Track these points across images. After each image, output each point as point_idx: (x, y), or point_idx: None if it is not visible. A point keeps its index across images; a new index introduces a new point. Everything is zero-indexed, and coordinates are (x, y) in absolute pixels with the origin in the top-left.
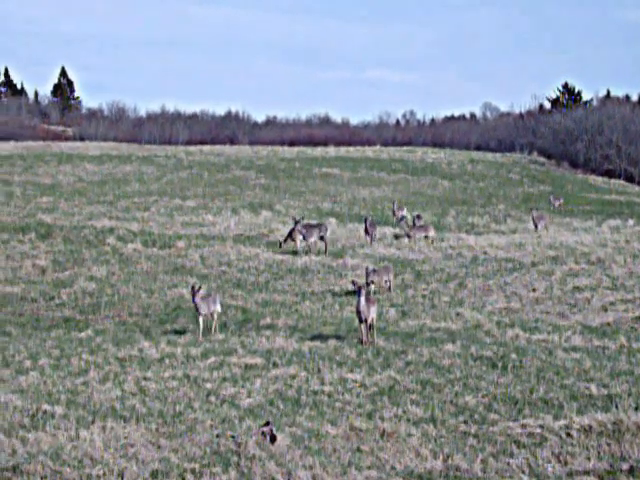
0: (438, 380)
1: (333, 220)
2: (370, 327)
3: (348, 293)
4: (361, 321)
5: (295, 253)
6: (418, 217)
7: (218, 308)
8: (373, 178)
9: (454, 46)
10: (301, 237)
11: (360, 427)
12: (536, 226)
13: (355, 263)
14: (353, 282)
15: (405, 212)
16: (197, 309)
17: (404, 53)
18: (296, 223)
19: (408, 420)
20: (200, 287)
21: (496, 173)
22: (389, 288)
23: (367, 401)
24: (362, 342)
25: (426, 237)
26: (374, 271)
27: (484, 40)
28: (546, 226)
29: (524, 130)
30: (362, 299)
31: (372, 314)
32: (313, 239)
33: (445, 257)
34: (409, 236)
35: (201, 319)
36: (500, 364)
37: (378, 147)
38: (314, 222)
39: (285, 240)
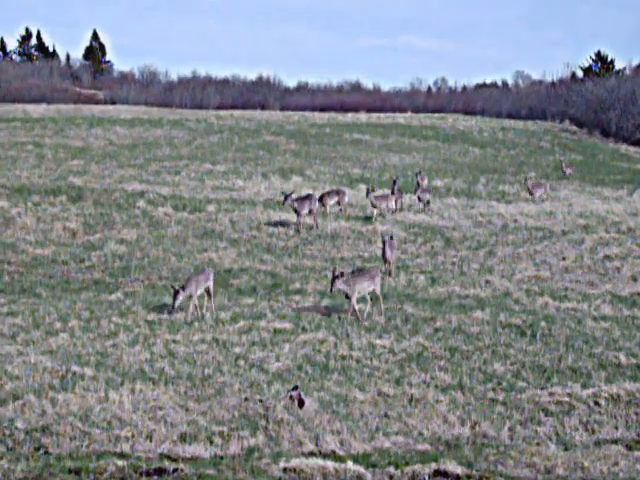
0: (466, 347)
1: (363, 187)
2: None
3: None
4: (385, 262)
5: (325, 217)
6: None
7: (209, 285)
8: (403, 145)
9: (487, 13)
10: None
11: (388, 393)
12: (531, 194)
13: (385, 229)
14: (382, 235)
15: (426, 182)
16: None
17: (437, 20)
18: (286, 197)
19: (436, 387)
20: (180, 288)
21: (527, 141)
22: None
23: (395, 367)
24: (386, 273)
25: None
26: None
27: (517, 7)
28: (546, 194)
29: (556, 98)
30: (387, 247)
31: (394, 256)
32: (305, 211)
33: (475, 225)
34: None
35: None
36: (529, 332)
37: (409, 114)
38: (304, 194)
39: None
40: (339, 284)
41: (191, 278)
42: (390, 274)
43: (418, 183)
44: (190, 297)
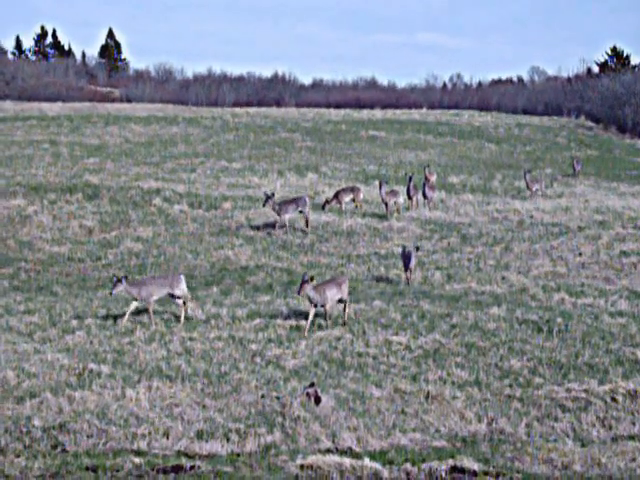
0: (483, 343)
1: (378, 183)
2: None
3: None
4: (407, 270)
5: (340, 214)
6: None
7: (179, 293)
8: (419, 141)
9: (502, 9)
10: (276, 214)
11: (405, 389)
12: (529, 188)
13: (401, 226)
14: (403, 247)
15: (435, 178)
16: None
17: (452, 16)
18: (267, 199)
19: (453, 383)
20: (124, 277)
21: (543, 137)
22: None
23: (412, 364)
24: (407, 281)
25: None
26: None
27: (532, 3)
28: (542, 190)
29: (572, 94)
30: (413, 259)
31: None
32: (289, 215)
33: (491, 221)
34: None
35: (134, 304)
36: (545, 328)
37: (425, 110)
38: (291, 197)
39: (330, 201)
40: (308, 289)
41: (144, 281)
42: (408, 282)
43: (426, 178)
44: (137, 300)
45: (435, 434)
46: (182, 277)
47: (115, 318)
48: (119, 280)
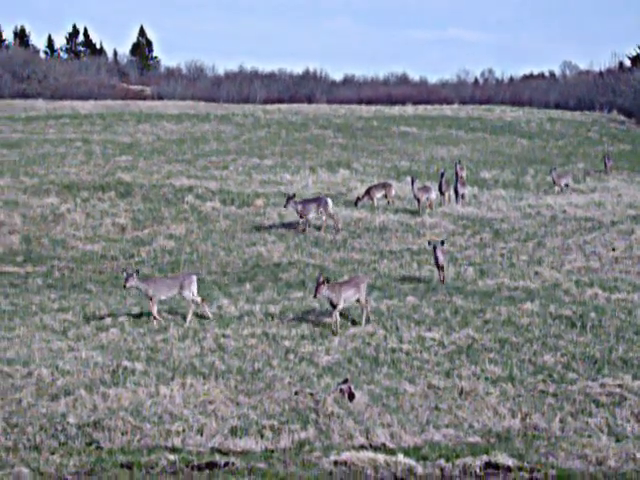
0: (516, 339)
1: (410, 179)
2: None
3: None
4: (440, 269)
5: (373, 211)
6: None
7: (189, 294)
8: (451, 137)
9: (534, 4)
10: (297, 214)
11: (438, 385)
12: (557, 184)
13: (433, 222)
14: (429, 242)
15: (465, 173)
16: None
17: (483, 11)
18: (289, 199)
19: (486, 379)
20: (135, 271)
21: (575, 132)
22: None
23: (445, 359)
24: (441, 281)
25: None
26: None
27: None
28: (570, 185)
29: (604, 88)
30: (439, 254)
31: (445, 263)
32: (312, 215)
33: (524, 216)
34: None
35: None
36: (579, 323)
37: (456, 105)
38: (311, 197)
39: (362, 197)
40: (324, 290)
41: (154, 279)
42: (443, 281)
43: (457, 174)
44: (146, 296)
45: (469, 430)
46: (194, 277)
47: (149, 315)
48: (130, 274)
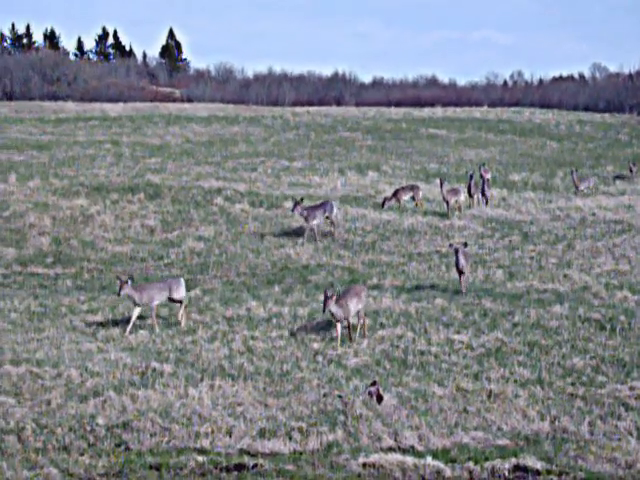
0: (545, 342)
1: (439, 181)
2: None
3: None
4: (461, 274)
5: (401, 213)
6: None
7: (177, 297)
8: (480, 139)
9: (563, 6)
10: (304, 220)
11: (467, 388)
12: (576, 187)
13: (462, 224)
14: (450, 245)
15: (489, 175)
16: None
17: (512, 13)
18: (296, 204)
19: (515, 381)
20: (129, 278)
21: (605, 134)
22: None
23: (474, 362)
24: (460, 291)
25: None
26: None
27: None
28: (592, 188)
29: (634, 91)
30: (461, 258)
31: (468, 266)
32: (317, 221)
33: (553, 218)
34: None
35: (136, 310)
36: (608, 326)
37: (485, 108)
38: (318, 202)
39: (389, 199)
40: (332, 305)
41: (144, 285)
42: (464, 288)
43: (481, 176)
44: (135, 304)
45: (497, 433)
46: (182, 280)
47: (177, 317)
48: (125, 282)
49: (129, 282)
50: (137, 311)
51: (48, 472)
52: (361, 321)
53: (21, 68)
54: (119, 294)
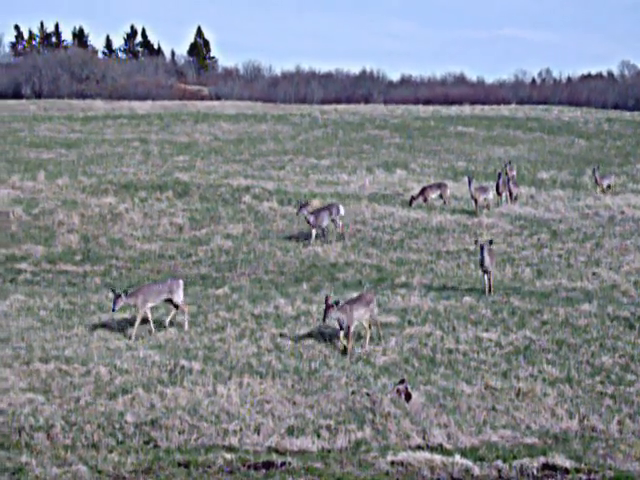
0: (574, 340)
1: (467, 179)
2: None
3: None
4: (485, 272)
5: (429, 211)
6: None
7: (177, 299)
8: (508, 137)
9: (592, 3)
10: (310, 223)
11: (495, 386)
12: (598, 184)
13: (490, 222)
14: (475, 241)
15: (514, 173)
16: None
17: (541, 11)
18: (301, 207)
19: (544, 380)
20: (124, 292)
21: (633, 132)
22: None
23: (502, 360)
24: (484, 292)
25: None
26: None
27: None
28: (612, 186)
29: None
30: (485, 255)
31: (493, 265)
32: (325, 223)
33: (581, 216)
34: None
35: (141, 312)
36: (637, 324)
37: (514, 105)
38: (325, 205)
39: (416, 197)
40: (334, 313)
41: (141, 288)
42: (490, 290)
43: (507, 173)
44: (135, 306)
45: (526, 431)
46: (181, 282)
47: (206, 315)
48: (119, 296)
49: (122, 296)
50: (143, 312)
51: (77, 469)
52: (368, 330)
53: (50, 67)
54: (114, 309)
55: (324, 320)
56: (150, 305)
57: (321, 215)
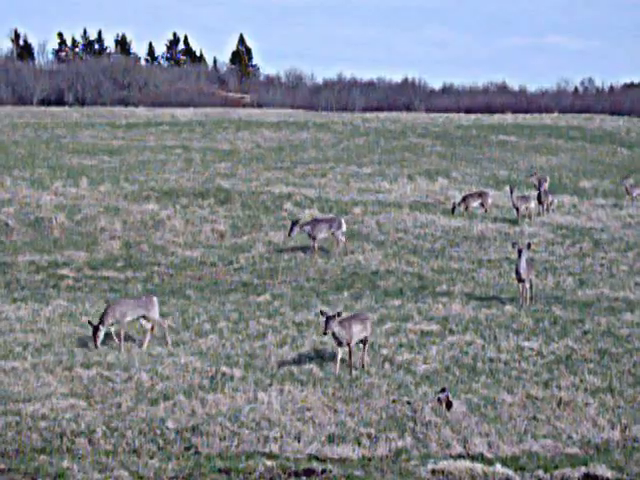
0: (616, 350)
1: (509, 188)
2: (530, 287)
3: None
4: (520, 281)
5: (471, 219)
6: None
7: (153, 315)
8: (550, 146)
9: (635, 12)
10: (307, 235)
11: (536, 395)
12: (628, 193)
13: (532, 231)
14: (513, 244)
15: (536, 181)
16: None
17: (583, 19)
18: (292, 226)
19: (585, 389)
20: (99, 323)
21: None
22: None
23: (544, 369)
24: (520, 302)
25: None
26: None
27: None
28: None
29: None
30: (522, 260)
31: (531, 275)
32: (322, 235)
33: (624, 226)
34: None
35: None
36: None
37: (556, 114)
38: (327, 217)
39: (458, 205)
40: (334, 326)
41: (116, 302)
42: (527, 300)
43: (539, 183)
44: (118, 322)
45: (567, 441)
46: (155, 299)
47: (247, 322)
48: (97, 328)
49: (101, 326)
50: (125, 325)
51: (118, 475)
52: (365, 350)
53: (93, 74)
54: (96, 345)
55: (325, 332)
56: (128, 319)
57: (319, 226)
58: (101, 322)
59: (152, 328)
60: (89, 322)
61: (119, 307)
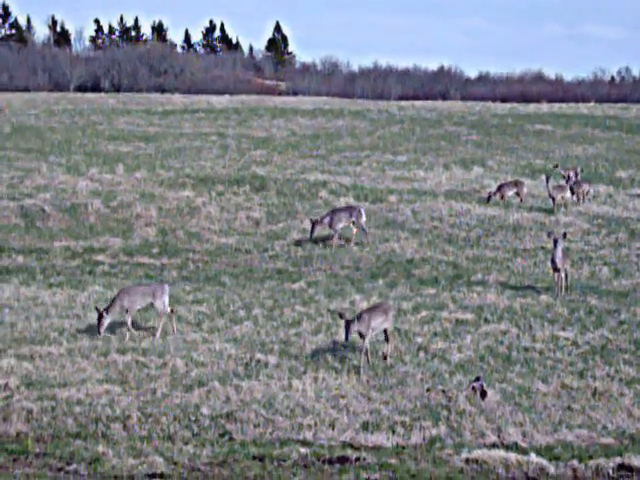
0: None
1: (544, 177)
2: (565, 277)
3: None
4: (555, 270)
5: (506, 208)
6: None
7: (160, 304)
8: (586, 135)
9: None
10: (326, 225)
11: (571, 385)
12: None
13: (568, 220)
14: (549, 234)
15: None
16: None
17: (621, 8)
18: (314, 225)
19: (620, 380)
20: (105, 310)
21: None
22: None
23: (579, 359)
24: (556, 291)
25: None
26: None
27: None
28: None
29: None
30: (558, 250)
31: (566, 265)
32: (341, 225)
33: None
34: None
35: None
36: None
37: (592, 104)
38: (346, 206)
39: (493, 194)
40: (355, 328)
41: (124, 290)
42: (562, 290)
43: (569, 176)
44: (126, 310)
45: (602, 431)
46: (166, 287)
47: (282, 309)
48: (102, 315)
49: (105, 314)
50: (133, 313)
51: (153, 460)
52: (388, 342)
53: (129, 60)
54: (100, 333)
55: (346, 338)
56: (137, 307)
57: (338, 215)
58: (107, 310)
59: (160, 315)
60: (96, 308)
61: (128, 296)
